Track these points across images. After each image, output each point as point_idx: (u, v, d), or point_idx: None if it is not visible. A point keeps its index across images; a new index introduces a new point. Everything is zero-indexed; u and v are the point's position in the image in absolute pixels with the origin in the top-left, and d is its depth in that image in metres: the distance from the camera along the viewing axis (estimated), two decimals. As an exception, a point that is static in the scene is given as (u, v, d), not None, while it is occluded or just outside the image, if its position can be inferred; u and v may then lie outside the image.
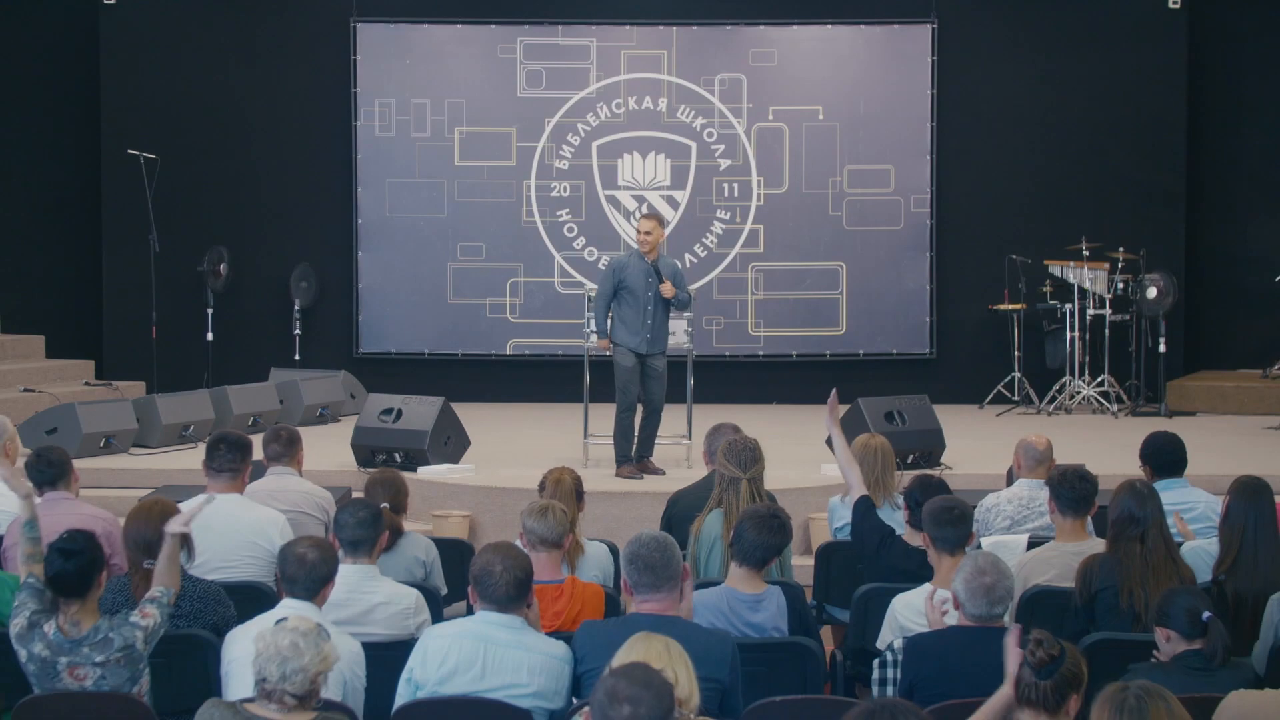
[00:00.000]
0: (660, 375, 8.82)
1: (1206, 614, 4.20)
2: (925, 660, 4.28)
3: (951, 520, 4.92)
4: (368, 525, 4.95)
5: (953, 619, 4.38)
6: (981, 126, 13.02)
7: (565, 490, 5.63)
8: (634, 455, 8.83)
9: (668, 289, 8.66)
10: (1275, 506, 5.29)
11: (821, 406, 6.20)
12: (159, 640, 4.44)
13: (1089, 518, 5.45)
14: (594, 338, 9.04)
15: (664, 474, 8.80)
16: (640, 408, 8.82)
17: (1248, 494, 5.24)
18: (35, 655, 4.27)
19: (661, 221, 8.94)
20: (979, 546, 5.74)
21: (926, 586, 4.86)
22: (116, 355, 12.91)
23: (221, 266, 12.57)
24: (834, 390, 5.97)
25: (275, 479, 6.22)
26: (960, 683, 4.10)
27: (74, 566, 4.31)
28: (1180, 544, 5.26)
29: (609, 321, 8.87)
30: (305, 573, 4.37)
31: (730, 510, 5.50)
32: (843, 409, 5.94)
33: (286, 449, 6.29)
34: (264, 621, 4.27)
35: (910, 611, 4.82)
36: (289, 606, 4.34)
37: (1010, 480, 6.68)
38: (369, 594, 4.86)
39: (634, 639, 3.60)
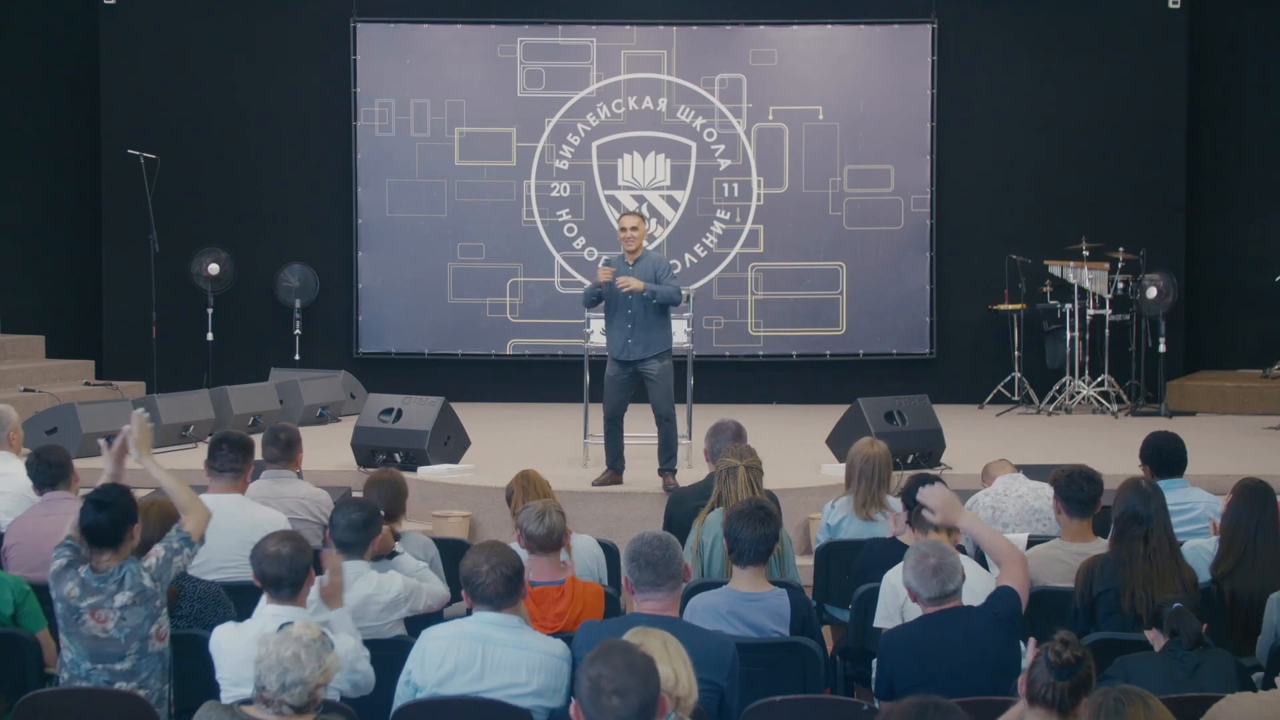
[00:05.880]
0: (655, 380, 8.29)
1: (1174, 604, 4.33)
2: (898, 653, 4.35)
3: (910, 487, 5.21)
4: (358, 529, 4.95)
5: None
6: (981, 126, 13.01)
7: (540, 484, 5.71)
8: (658, 469, 8.41)
9: (630, 282, 8.04)
10: (1278, 510, 5.29)
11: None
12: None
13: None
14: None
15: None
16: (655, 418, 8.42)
17: (1253, 497, 5.24)
18: (64, 595, 4.43)
19: (645, 217, 8.70)
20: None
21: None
22: (116, 355, 12.90)
23: (210, 267, 12.54)
24: (938, 481, 5.10)
25: (270, 483, 6.19)
26: (935, 669, 4.19)
27: (107, 518, 4.48)
28: (1182, 543, 5.25)
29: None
30: (288, 569, 4.32)
31: (729, 501, 5.52)
32: (937, 489, 4.97)
33: (284, 452, 6.27)
34: (249, 627, 4.28)
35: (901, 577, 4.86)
36: (273, 613, 4.30)
37: None
38: (360, 590, 4.85)
39: (630, 634, 3.60)
